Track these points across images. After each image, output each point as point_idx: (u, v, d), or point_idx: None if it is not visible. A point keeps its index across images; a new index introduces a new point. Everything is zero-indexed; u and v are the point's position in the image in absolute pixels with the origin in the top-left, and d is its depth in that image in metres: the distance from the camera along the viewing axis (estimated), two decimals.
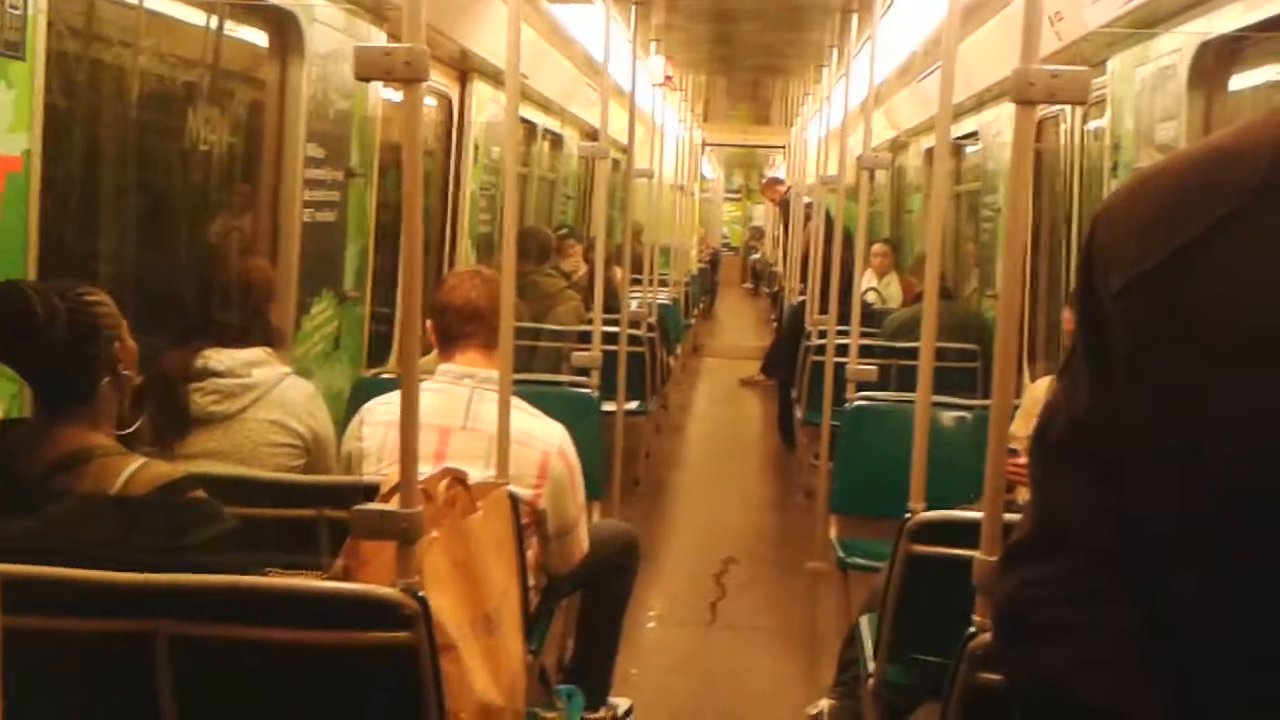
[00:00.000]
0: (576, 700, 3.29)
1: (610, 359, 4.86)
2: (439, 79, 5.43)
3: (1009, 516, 1.94)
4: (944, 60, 2.82)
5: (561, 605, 3.30)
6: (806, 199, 9.03)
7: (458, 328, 2.87)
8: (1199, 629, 0.87)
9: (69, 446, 1.95)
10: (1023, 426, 3.60)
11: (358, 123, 4.22)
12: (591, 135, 8.87)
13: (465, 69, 5.69)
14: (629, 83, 5.75)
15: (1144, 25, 3.91)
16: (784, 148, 15.06)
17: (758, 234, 22.91)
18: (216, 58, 3.61)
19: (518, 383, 2.75)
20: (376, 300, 4.62)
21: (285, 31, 3.75)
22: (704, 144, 17.22)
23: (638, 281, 7.25)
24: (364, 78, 1.89)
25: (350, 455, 2.81)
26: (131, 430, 2.12)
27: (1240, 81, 3.72)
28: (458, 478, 2.14)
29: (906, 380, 4.66)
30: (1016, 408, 3.80)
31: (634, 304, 6.51)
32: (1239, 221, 0.85)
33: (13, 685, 0.91)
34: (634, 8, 5.62)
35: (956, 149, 7.47)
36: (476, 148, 5.93)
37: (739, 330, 15.48)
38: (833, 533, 4.16)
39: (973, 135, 6.97)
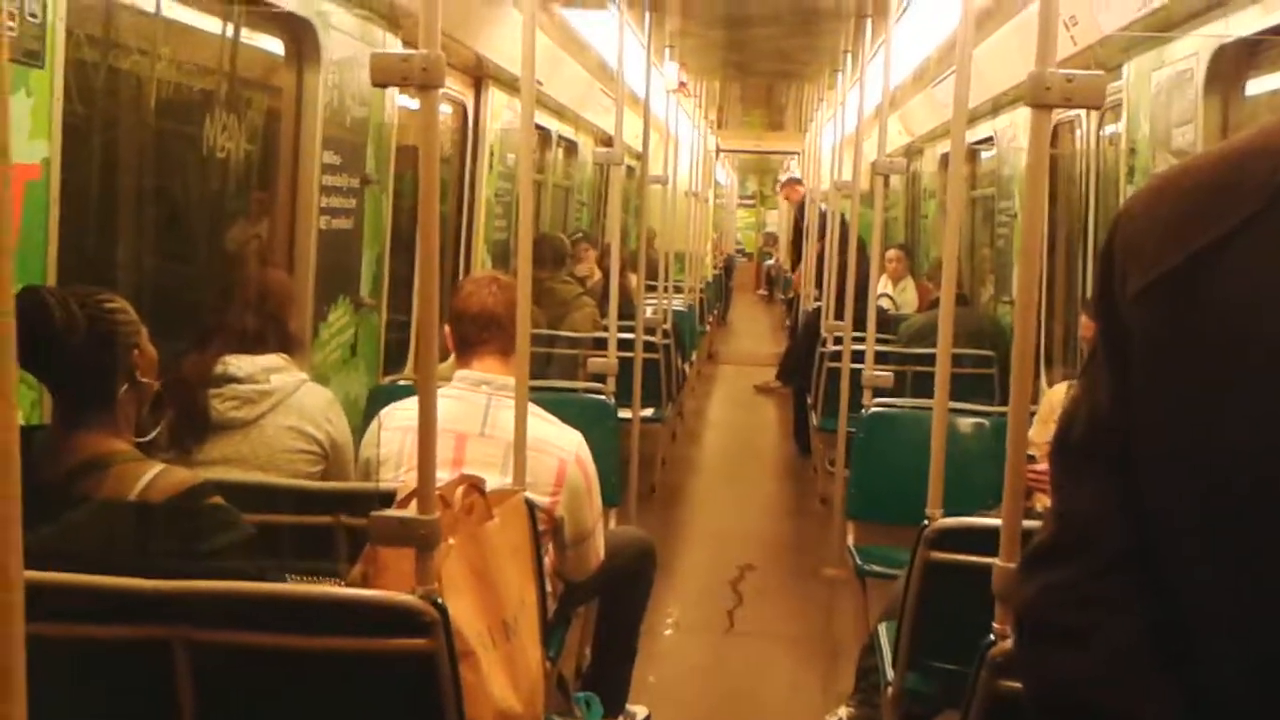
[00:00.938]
0: (594, 707, 3.29)
1: (626, 365, 4.86)
2: (454, 85, 5.45)
3: (1028, 523, 1.93)
4: (959, 65, 2.81)
5: (579, 612, 3.30)
6: (821, 205, 9.02)
7: (475, 334, 2.88)
8: (1217, 631, 0.87)
9: (88, 453, 1.95)
10: (1040, 433, 3.59)
11: (374, 130, 4.23)
12: (606, 141, 8.89)
13: (480, 76, 5.70)
14: (643, 89, 5.75)
15: (1160, 29, 3.90)
16: (798, 154, 15.05)
17: (772, 240, 22.89)
18: (233, 65, 3.63)
19: (534, 389, 2.75)
20: (393, 307, 4.63)
21: (302, 39, 3.76)
22: (718, 150, 17.23)
23: (652, 288, 7.25)
24: (381, 83, 1.89)
25: (368, 462, 2.81)
26: (151, 437, 2.12)
27: (1257, 85, 3.70)
28: (474, 485, 2.14)
29: (922, 386, 4.65)
30: (1033, 414, 3.79)
31: (649, 310, 6.51)
32: (1259, 225, 0.85)
33: (34, 691, 0.91)
34: (648, 14, 5.63)
35: (972, 154, 7.46)
36: (491, 154, 5.94)
37: (754, 336, 15.46)
38: (850, 539, 4.14)
39: (988, 140, 6.95)
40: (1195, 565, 0.87)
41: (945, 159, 8.23)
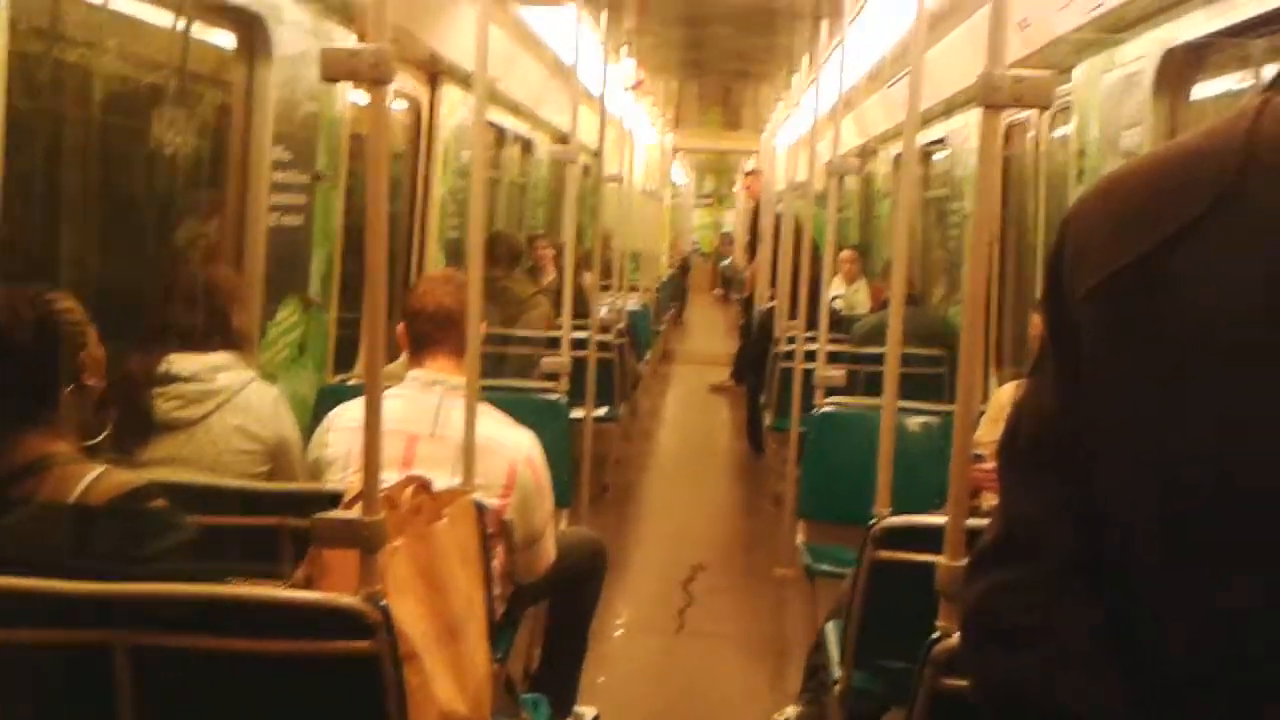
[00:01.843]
0: (542, 709, 3.27)
1: (579, 365, 4.85)
2: (408, 82, 5.40)
3: (973, 522, 1.94)
4: (912, 67, 2.83)
5: (528, 613, 3.28)
6: (777, 206, 9.05)
7: (430, 332, 2.86)
8: (1168, 631, 0.87)
9: (28, 455, 1.92)
10: (988, 432, 3.61)
11: (326, 126, 4.19)
12: (562, 139, 8.86)
13: (435, 72, 5.66)
14: (599, 87, 5.74)
15: (1111, 31, 3.93)
16: (755, 153, 15.10)
17: (728, 240, 22.96)
18: (182, 59, 3.58)
19: (486, 388, 2.74)
20: (344, 306, 4.59)
21: (253, 33, 3.71)
22: (675, 149, 17.25)
23: (607, 287, 7.24)
24: (330, 79, 1.87)
25: (316, 462, 2.79)
26: (98, 440, 2.09)
27: (1203, 89, 3.75)
28: (422, 485, 2.13)
29: (874, 386, 4.66)
30: (982, 413, 3.82)
31: (604, 310, 6.50)
32: (1209, 224, 0.85)
33: None
34: (605, 11, 5.63)
35: (925, 155, 7.51)
36: (446, 152, 5.90)
37: (709, 336, 15.49)
38: (800, 539, 4.16)
39: (941, 142, 7.00)
40: (1154, 566, 0.87)
41: (899, 159, 8.28)
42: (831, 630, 3.00)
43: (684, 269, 18.88)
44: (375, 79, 1.82)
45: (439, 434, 2.72)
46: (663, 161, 13.56)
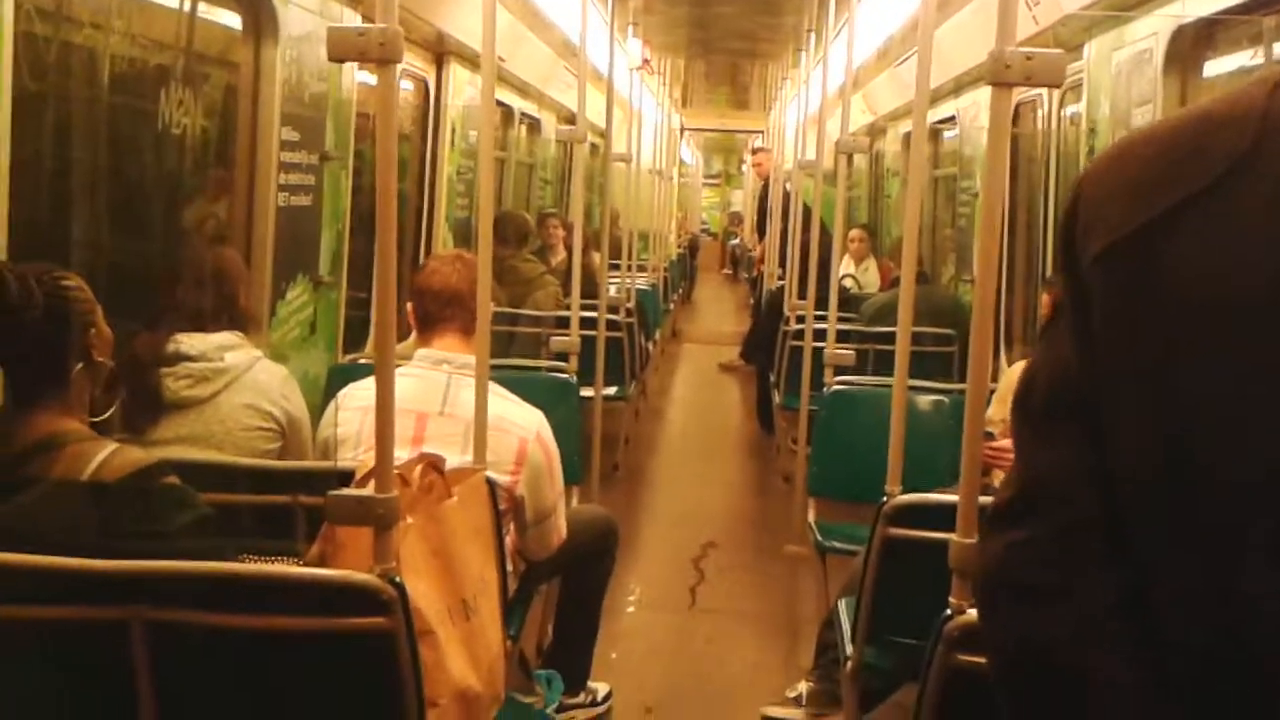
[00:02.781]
0: (555, 685, 3.29)
1: (589, 344, 4.85)
2: (415, 62, 5.40)
3: (985, 500, 1.94)
4: (921, 44, 2.82)
5: (540, 591, 3.30)
6: (786, 184, 9.03)
7: (437, 311, 2.86)
8: (1173, 596, 0.87)
9: (40, 433, 1.93)
10: (999, 410, 3.61)
11: (333, 106, 4.19)
12: (569, 119, 8.84)
13: (441, 52, 5.65)
14: (606, 66, 5.72)
15: (1121, 9, 3.91)
16: (762, 132, 15.05)
17: (737, 219, 22.90)
18: (189, 40, 3.58)
19: (495, 368, 2.74)
20: (353, 285, 4.60)
21: (259, 13, 3.71)
22: (682, 128, 17.20)
23: (616, 267, 7.24)
24: (337, 59, 1.87)
25: (327, 441, 2.80)
26: (105, 417, 2.10)
27: (1215, 66, 3.73)
28: (433, 463, 2.13)
29: (884, 365, 4.67)
30: (992, 392, 3.82)
31: (612, 289, 6.50)
32: (1221, 191, 0.85)
33: None
34: None
35: (934, 134, 7.48)
36: (453, 131, 5.90)
37: (718, 316, 15.48)
38: (811, 516, 4.17)
39: (950, 120, 6.98)
40: (1155, 528, 0.88)
41: (908, 138, 8.26)
42: (844, 607, 3.01)
43: (692, 248, 18.84)
44: (384, 58, 1.82)
45: (448, 412, 2.73)
46: (670, 141, 13.52)
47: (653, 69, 9.92)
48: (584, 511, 3.60)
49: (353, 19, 4.15)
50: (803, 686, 3.55)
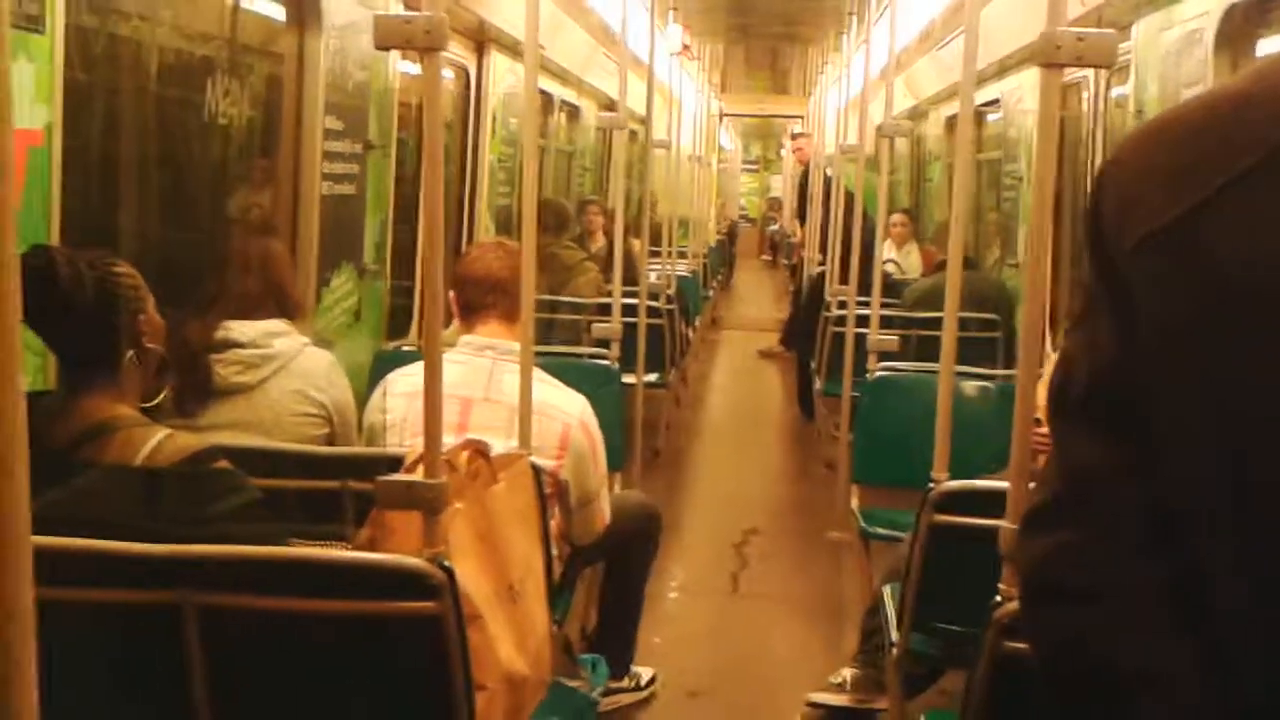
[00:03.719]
0: (600, 669, 3.30)
1: (629, 331, 4.86)
2: (456, 50, 5.41)
3: (1035, 486, 1.92)
4: (966, 26, 2.79)
5: (584, 575, 3.31)
6: (826, 169, 8.98)
7: (479, 299, 2.88)
8: (1227, 592, 0.85)
9: (94, 418, 1.95)
10: (1046, 396, 3.58)
11: (376, 95, 4.21)
12: (608, 106, 8.83)
13: (482, 40, 5.66)
14: (646, 52, 5.71)
15: None
16: (802, 117, 14.97)
17: (775, 205, 22.81)
18: (234, 31, 3.61)
19: (538, 354, 2.75)
20: (396, 273, 4.62)
21: (302, 3, 3.73)
22: (721, 114, 17.14)
23: (656, 253, 7.23)
24: (384, 46, 1.88)
25: (373, 427, 2.82)
26: (156, 402, 2.13)
27: (1268, 45, 3.67)
28: (479, 449, 2.14)
29: (926, 350, 4.65)
30: (1040, 377, 3.78)
31: (652, 276, 6.49)
32: (1262, 174, 0.81)
33: (42, 657, 0.91)
34: None
35: (978, 117, 7.41)
36: (494, 119, 5.91)
37: (757, 302, 15.44)
38: (854, 502, 4.15)
39: (994, 103, 6.91)
40: (1206, 523, 0.86)
41: (951, 121, 8.18)
42: (889, 593, 3.00)
43: (732, 235, 18.79)
44: (429, 46, 1.82)
45: (492, 398, 2.75)
46: (710, 127, 13.47)
47: (692, 54, 9.88)
48: (626, 497, 3.61)
49: (394, 7, 4.17)
50: (847, 672, 3.54)
